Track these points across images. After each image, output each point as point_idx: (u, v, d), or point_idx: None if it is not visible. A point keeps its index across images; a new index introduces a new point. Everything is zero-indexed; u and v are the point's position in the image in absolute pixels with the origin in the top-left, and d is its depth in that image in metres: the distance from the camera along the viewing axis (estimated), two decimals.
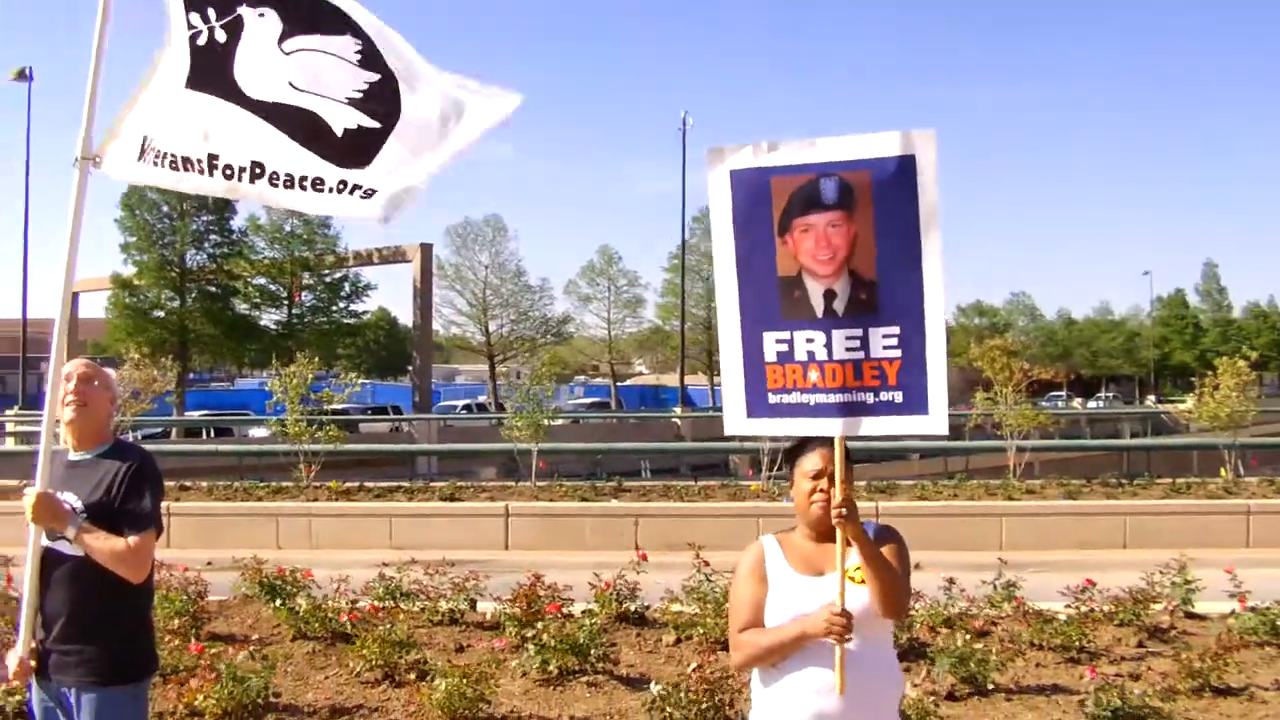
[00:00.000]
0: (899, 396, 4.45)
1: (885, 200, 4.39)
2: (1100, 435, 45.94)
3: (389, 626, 8.47)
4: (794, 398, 4.54)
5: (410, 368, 71.53)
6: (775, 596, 4.27)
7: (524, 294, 77.23)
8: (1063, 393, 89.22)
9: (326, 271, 65.49)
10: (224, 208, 59.03)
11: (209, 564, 11.18)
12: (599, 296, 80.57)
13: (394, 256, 60.84)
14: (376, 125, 5.36)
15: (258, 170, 5.26)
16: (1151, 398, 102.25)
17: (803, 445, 4.44)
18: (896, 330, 4.43)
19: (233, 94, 5.25)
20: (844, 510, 4.12)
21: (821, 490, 4.31)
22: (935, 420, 4.44)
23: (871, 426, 4.46)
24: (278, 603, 9.70)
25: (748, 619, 4.30)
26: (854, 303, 4.45)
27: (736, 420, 4.68)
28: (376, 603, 9.91)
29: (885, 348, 4.44)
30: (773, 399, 4.58)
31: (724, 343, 4.67)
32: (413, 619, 9.54)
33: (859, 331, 4.46)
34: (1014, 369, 23.03)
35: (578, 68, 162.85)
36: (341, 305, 67.61)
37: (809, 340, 4.50)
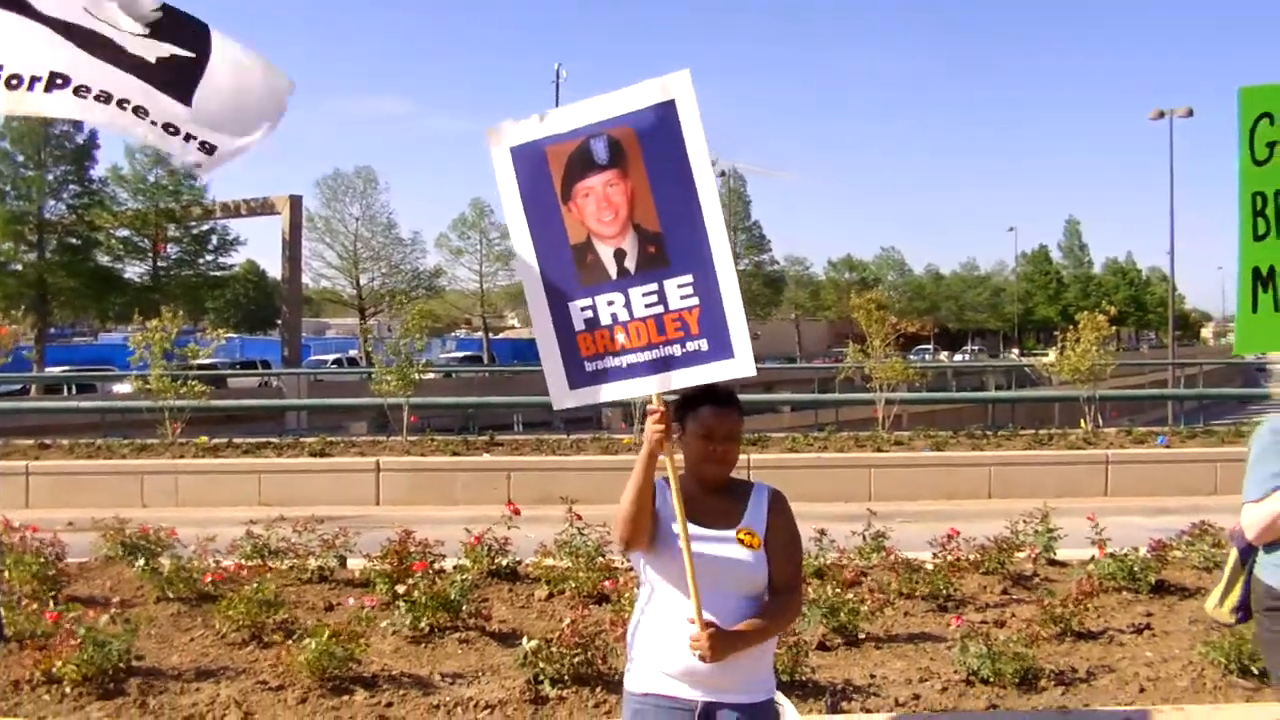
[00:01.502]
0: (704, 344, 4.46)
1: (654, 150, 4.41)
2: (966, 388, 46.70)
3: (256, 586, 8.33)
4: (608, 362, 4.57)
5: (279, 321, 70.41)
6: (660, 529, 4.25)
7: (395, 247, 76.34)
8: (930, 346, 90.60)
9: (193, 223, 64.06)
10: (83, 157, 57.50)
11: (69, 524, 10.97)
12: (471, 250, 79.98)
13: (262, 208, 59.75)
14: (190, 55, 5.28)
15: (59, 82, 5.09)
16: (1015, 351, 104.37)
17: (695, 400, 4.42)
18: (690, 279, 4.45)
19: (21, 7, 5.09)
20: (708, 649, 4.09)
21: (714, 450, 4.31)
22: (741, 363, 4.45)
23: (682, 379, 4.47)
24: (141, 563, 9.49)
25: None
26: (644, 258, 4.47)
27: (560, 394, 4.70)
28: (243, 561, 9.77)
29: (682, 298, 4.46)
30: (589, 367, 4.61)
31: (535, 320, 4.67)
32: (281, 578, 9.41)
33: (654, 286, 4.48)
34: (884, 323, 23.30)
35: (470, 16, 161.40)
36: (208, 258, 66.19)
37: (610, 303, 4.52)
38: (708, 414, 4.32)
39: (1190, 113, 56.72)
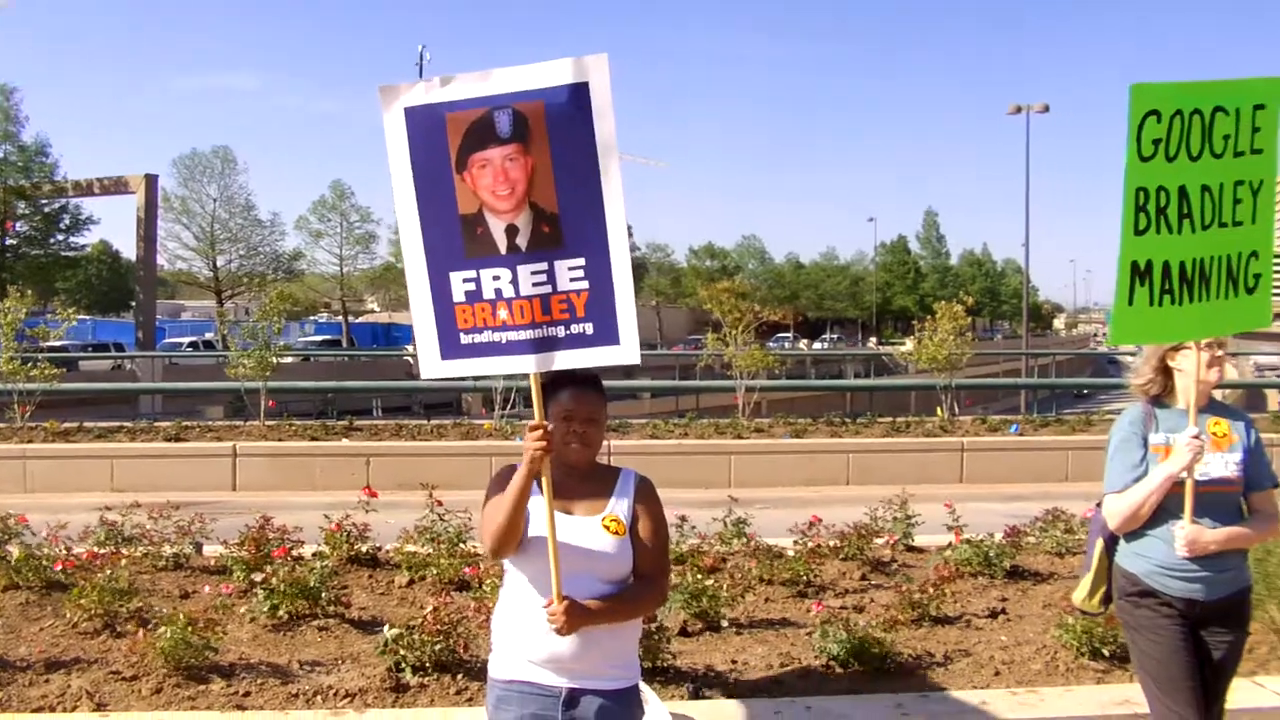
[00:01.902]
0: (589, 328, 4.42)
1: (560, 130, 4.33)
2: (825, 376, 47.25)
3: (109, 574, 8.11)
4: (485, 337, 4.49)
5: (133, 303, 69.00)
6: (527, 522, 4.22)
7: (254, 229, 75.24)
8: (790, 334, 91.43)
9: (43, 201, 62.48)
10: None
11: None
12: (331, 232, 79.10)
13: (116, 187, 58.46)
14: None
15: None
16: (874, 340, 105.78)
17: (557, 383, 4.40)
18: (582, 262, 4.40)
19: None
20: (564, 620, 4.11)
21: (574, 432, 4.29)
22: (626, 350, 4.43)
23: (564, 360, 4.43)
24: None
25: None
26: (537, 236, 4.40)
27: (431, 363, 4.61)
28: (96, 548, 9.51)
29: (572, 280, 4.41)
30: (465, 339, 4.52)
31: (412, 287, 4.57)
32: (135, 565, 9.19)
33: (545, 265, 4.41)
34: (743, 310, 23.43)
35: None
36: (60, 238, 64.63)
37: (495, 278, 4.44)
38: (567, 396, 4.32)
39: (1046, 108, 57.92)
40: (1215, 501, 5.02)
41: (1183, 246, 4.91)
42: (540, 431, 4.12)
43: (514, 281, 4.43)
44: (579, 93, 4.31)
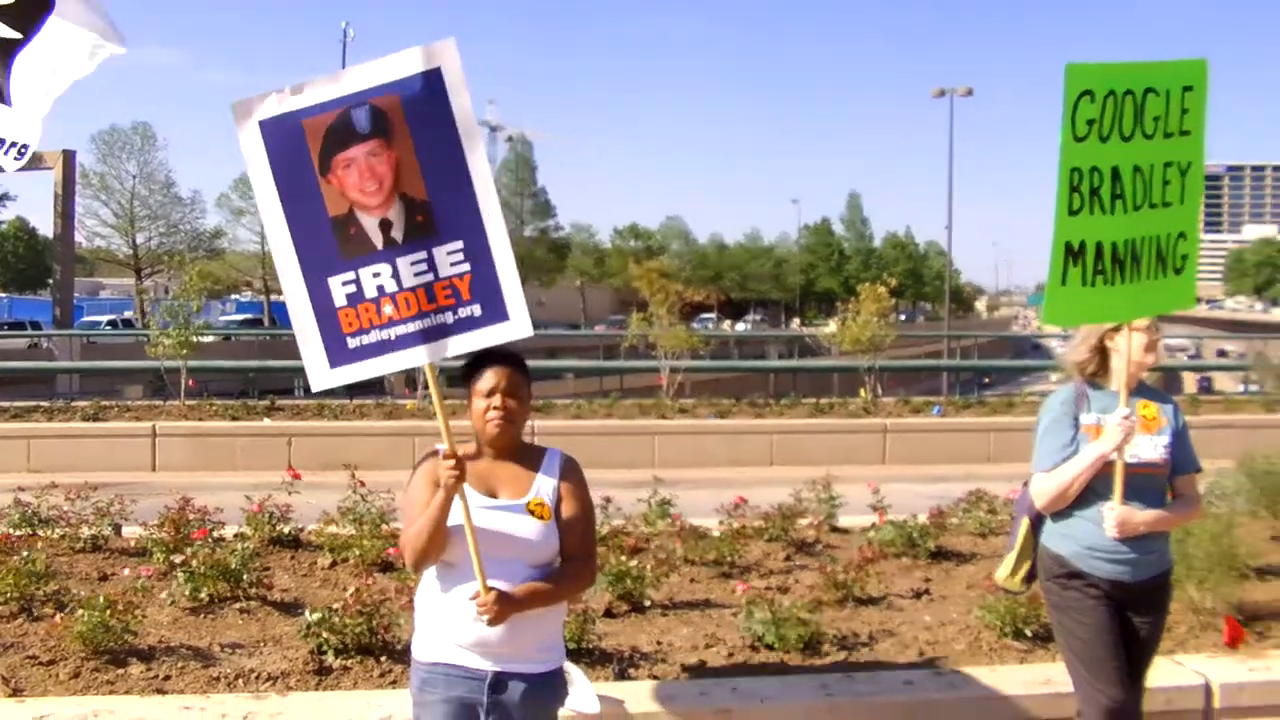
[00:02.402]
0: (477, 310, 4.42)
1: (420, 119, 4.34)
2: (749, 357, 47.44)
3: (25, 556, 7.98)
4: (374, 336, 4.46)
5: (50, 281, 67.98)
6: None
7: (174, 206, 74.34)
8: (713, 315, 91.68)
9: None
10: None
11: None
12: (252, 210, 78.09)
13: (32, 163, 57.13)
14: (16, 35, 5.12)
15: None
16: (797, 321, 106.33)
17: (477, 362, 4.38)
18: (460, 245, 4.41)
19: None
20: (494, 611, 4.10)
21: (495, 408, 4.27)
22: (517, 324, 4.44)
23: (457, 345, 4.44)
24: None
25: (414, 523, 4.24)
26: (412, 227, 4.40)
27: (320, 374, 4.56)
28: (11, 531, 9.33)
29: (453, 265, 4.41)
30: (352, 343, 4.48)
31: (290, 300, 4.51)
32: (52, 547, 9.03)
33: (423, 255, 4.41)
34: (668, 291, 23.45)
35: None
36: None
37: (375, 275, 4.42)
38: (490, 373, 4.34)
39: (970, 92, 58.46)
40: (1143, 484, 5.09)
41: (1115, 227, 4.95)
42: (453, 461, 4.13)
43: (395, 275, 4.41)
44: (432, 79, 4.33)
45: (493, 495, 4.23)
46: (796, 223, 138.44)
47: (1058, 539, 5.16)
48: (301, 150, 4.36)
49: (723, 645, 7.03)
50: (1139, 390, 5.20)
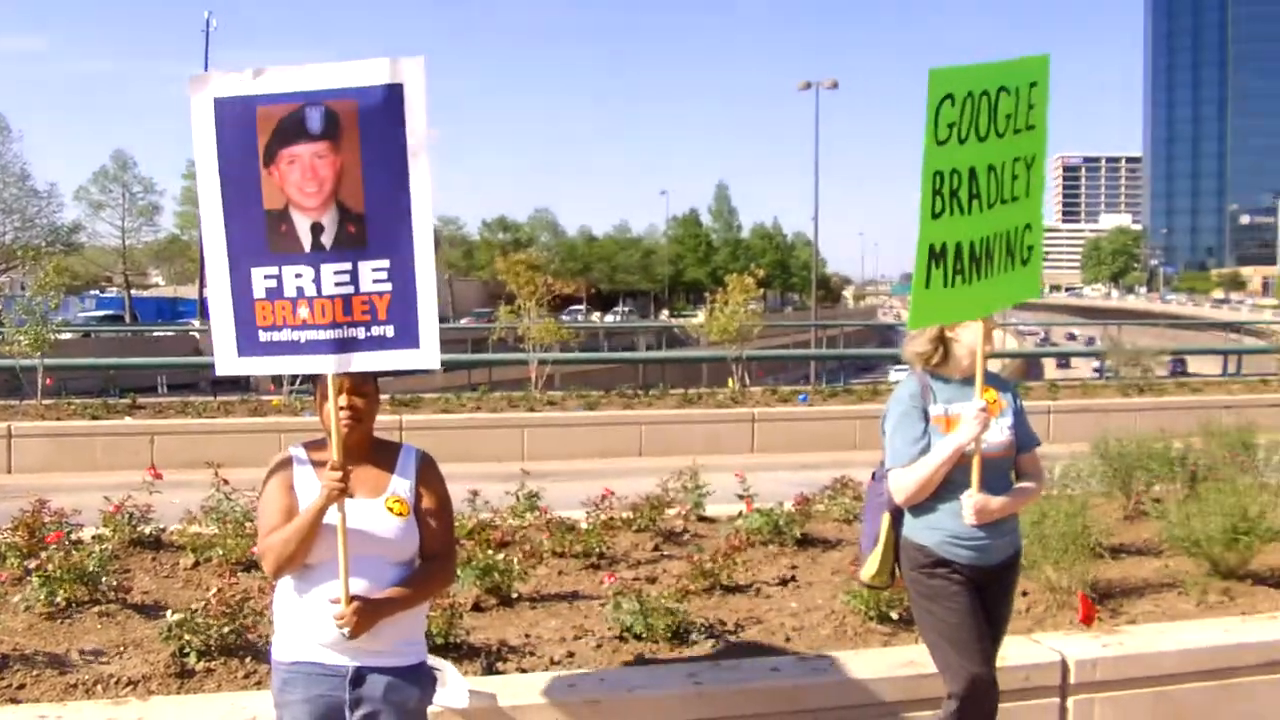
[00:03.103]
0: (390, 331, 4.39)
1: (372, 130, 4.29)
2: (618, 348, 47.48)
3: None
4: (285, 335, 4.40)
5: None
6: (305, 506, 4.17)
7: (29, 199, 72.37)
8: (582, 307, 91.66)
9: None
10: None
11: None
12: (113, 204, 76.52)
13: None
14: None
15: None
16: (666, 312, 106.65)
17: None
18: (386, 264, 4.36)
19: None
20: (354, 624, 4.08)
21: (343, 408, 4.24)
22: (426, 354, 4.42)
23: (363, 362, 4.39)
24: None
25: (276, 527, 4.19)
26: (342, 236, 4.35)
27: (227, 360, 4.48)
28: None
29: (375, 281, 4.37)
30: (263, 337, 4.42)
31: (211, 279, 4.44)
32: None
33: (348, 266, 4.36)
34: (537, 283, 23.41)
35: None
36: None
37: (298, 275, 4.36)
38: (329, 377, 4.29)
39: (835, 85, 58.98)
40: (994, 468, 5.21)
41: (972, 226, 5.04)
42: (340, 473, 4.09)
43: (316, 280, 4.35)
44: (393, 94, 4.28)
45: (349, 495, 4.19)
46: (665, 214, 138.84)
47: (920, 530, 5.24)
48: (250, 136, 4.29)
49: (591, 636, 7.03)
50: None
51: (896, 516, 5.36)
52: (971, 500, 5.09)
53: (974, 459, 5.08)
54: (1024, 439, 5.40)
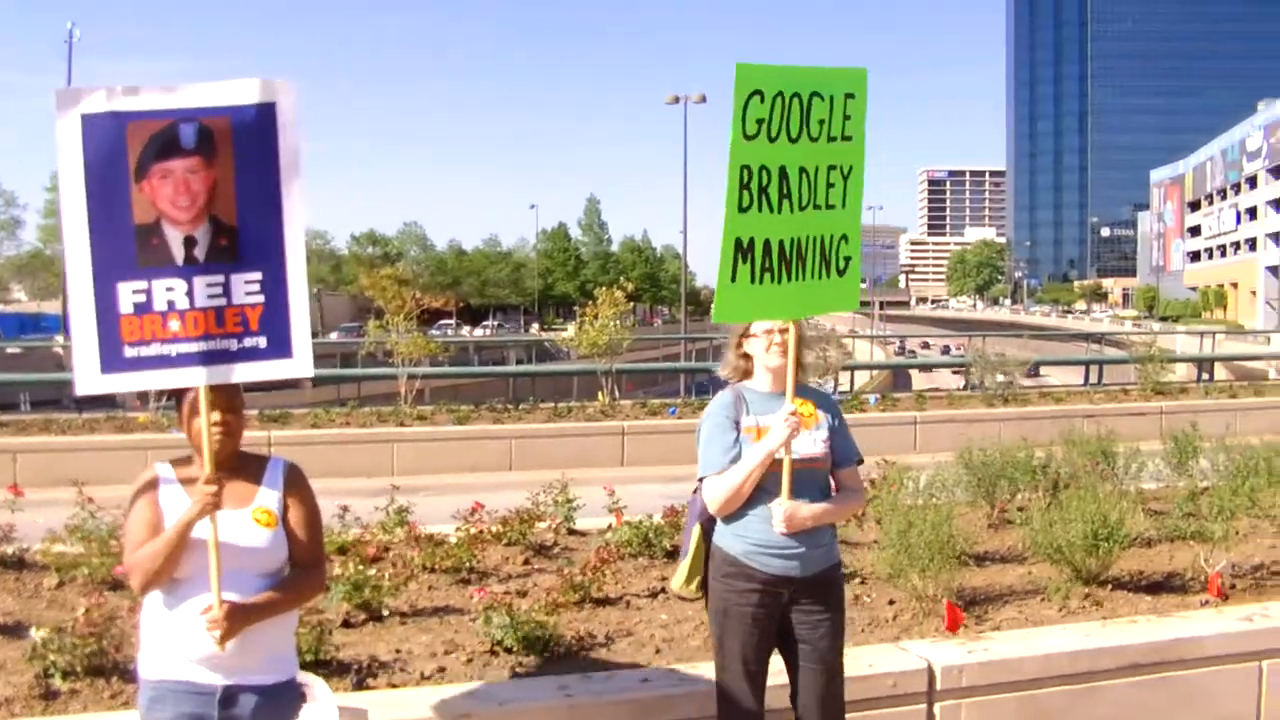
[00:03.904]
0: (262, 342, 4.43)
1: (245, 147, 4.34)
2: (488, 362, 47.33)
3: None
4: (154, 349, 4.36)
5: None
6: (170, 523, 4.14)
7: None
8: (452, 321, 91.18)
9: None
10: None
11: None
12: None
13: None
14: None
15: None
16: (536, 326, 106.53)
17: None
18: (258, 276, 4.41)
19: None
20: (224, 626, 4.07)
21: (215, 424, 4.22)
22: (299, 363, 4.49)
23: (236, 373, 4.40)
24: None
25: (143, 543, 4.15)
26: (215, 249, 4.37)
27: (89, 378, 4.40)
28: None
29: (247, 294, 4.41)
30: (130, 352, 4.37)
31: (74, 296, 4.38)
32: None
33: (221, 278, 4.39)
34: (405, 298, 23.28)
35: None
36: None
37: (169, 289, 4.35)
38: (200, 391, 4.27)
39: (703, 99, 59.35)
40: (807, 478, 5.26)
41: (782, 225, 5.12)
42: (214, 486, 4.08)
43: (189, 293, 4.36)
44: (266, 112, 4.35)
45: (219, 507, 4.17)
46: (535, 227, 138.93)
47: (730, 538, 5.27)
48: (120, 152, 4.27)
49: (462, 651, 7.04)
50: (796, 389, 5.31)
51: (708, 527, 5.39)
52: (781, 507, 5.13)
53: (784, 466, 5.12)
54: (842, 453, 5.45)
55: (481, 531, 9.70)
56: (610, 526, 10.06)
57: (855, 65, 5.37)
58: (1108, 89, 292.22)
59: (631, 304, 24.25)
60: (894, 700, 6.55)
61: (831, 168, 5.33)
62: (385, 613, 7.79)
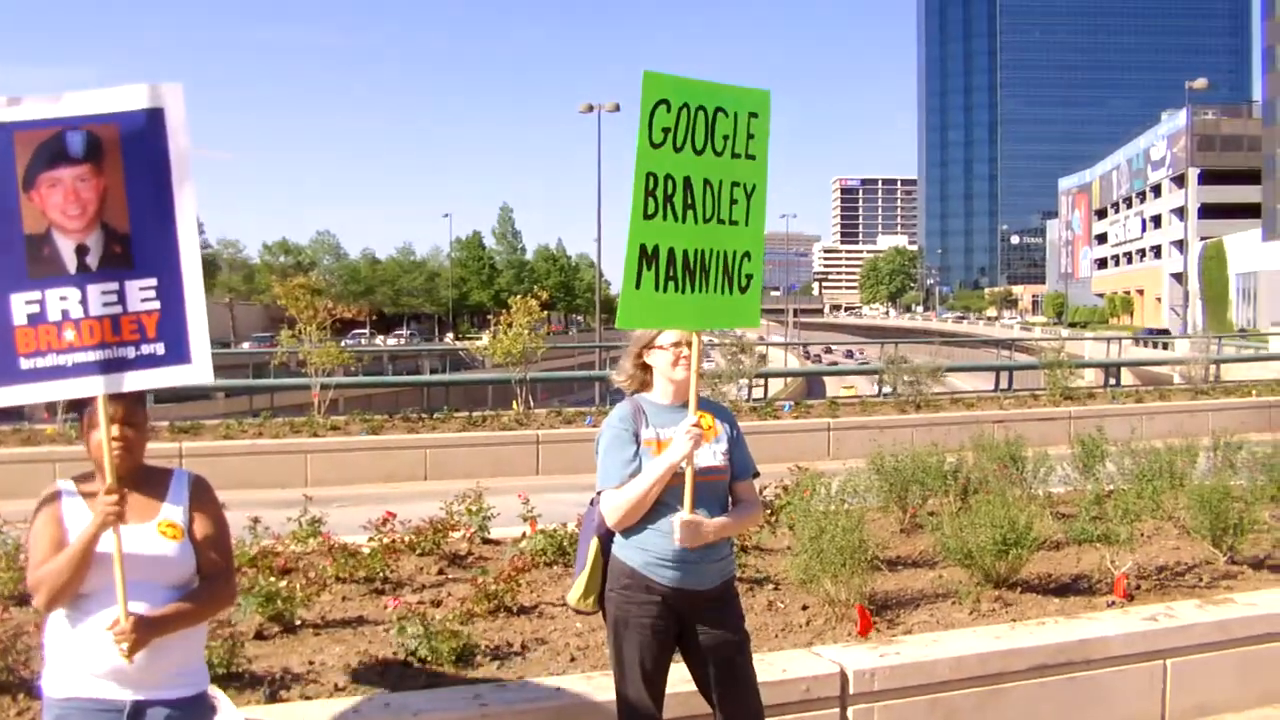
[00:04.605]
0: (160, 349, 4.39)
1: (135, 153, 4.31)
2: (402, 371, 47.04)
3: None
4: (50, 360, 4.31)
5: None
6: (74, 538, 4.09)
7: None
8: (366, 330, 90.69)
9: None
10: None
11: None
12: None
13: None
14: None
15: None
16: (450, 335, 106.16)
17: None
18: (154, 282, 4.37)
19: None
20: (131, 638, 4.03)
21: (115, 438, 4.17)
22: (199, 369, 4.45)
23: (135, 381, 4.36)
24: None
25: (47, 559, 4.10)
26: (108, 257, 4.33)
27: None
28: None
29: (143, 300, 4.37)
30: (25, 364, 4.31)
31: None
32: None
33: (115, 286, 4.35)
34: (318, 307, 23.10)
35: None
36: None
37: (63, 298, 4.31)
38: (105, 401, 4.23)
39: (617, 107, 59.54)
40: (708, 491, 5.25)
41: (686, 235, 5.16)
42: (116, 496, 4.04)
43: (83, 301, 4.31)
44: (155, 117, 4.32)
45: (121, 522, 4.13)
46: (449, 236, 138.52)
47: (629, 550, 5.24)
48: (8, 161, 4.23)
49: (376, 661, 7.01)
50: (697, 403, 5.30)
51: (606, 540, 5.38)
52: (682, 521, 5.12)
53: (686, 479, 5.12)
54: (740, 466, 5.46)
55: (395, 541, 9.66)
56: (525, 535, 10.04)
57: (761, 86, 5.42)
58: (1016, 99, 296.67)
59: (545, 312, 24.17)
60: (807, 705, 6.60)
61: (735, 184, 5.38)
62: (298, 624, 7.74)
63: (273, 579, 7.95)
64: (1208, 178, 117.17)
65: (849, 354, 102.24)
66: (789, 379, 50.10)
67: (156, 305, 4.36)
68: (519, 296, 24.47)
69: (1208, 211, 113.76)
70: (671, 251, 5.11)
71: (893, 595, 8.49)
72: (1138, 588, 8.77)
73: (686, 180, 5.13)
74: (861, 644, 7.31)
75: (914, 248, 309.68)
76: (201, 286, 4.46)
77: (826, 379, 63.40)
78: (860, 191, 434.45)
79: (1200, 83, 75.05)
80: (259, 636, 7.49)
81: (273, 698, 6.41)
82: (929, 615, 8.09)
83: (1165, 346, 44.02)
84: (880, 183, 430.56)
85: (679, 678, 5.72)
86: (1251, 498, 10.06)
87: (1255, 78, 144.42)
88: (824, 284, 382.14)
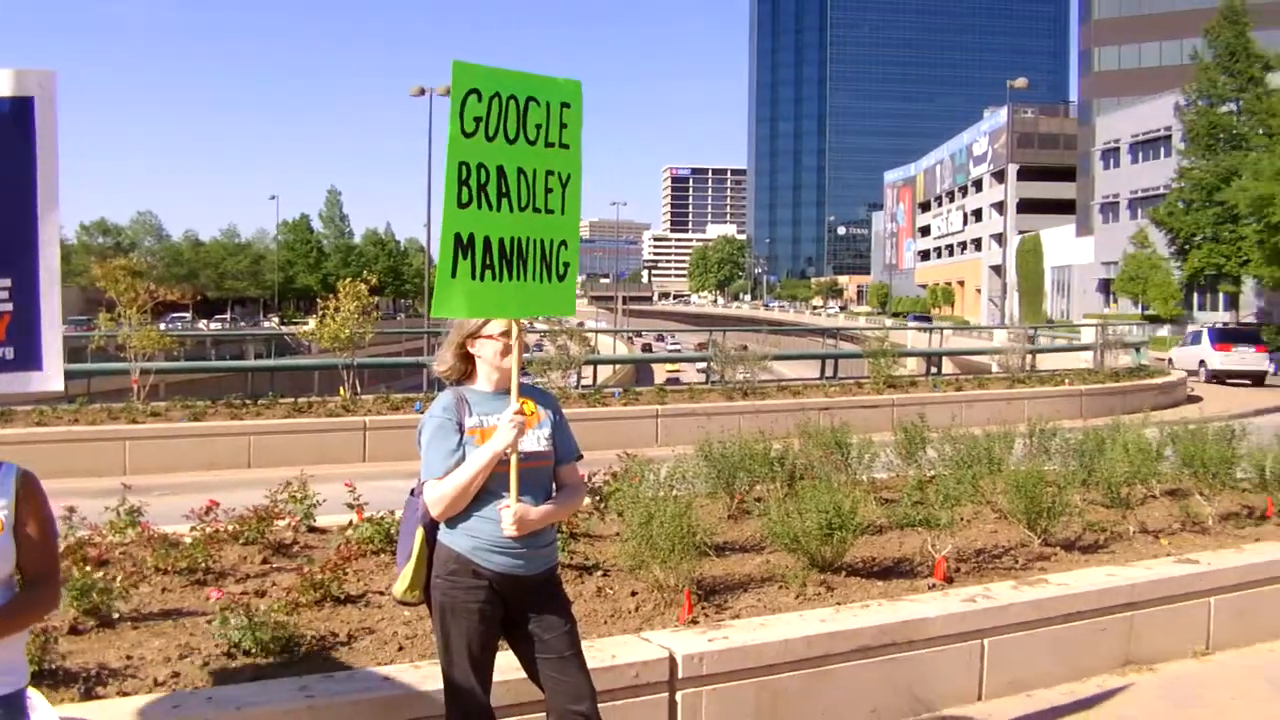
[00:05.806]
0: (10, 353, 4.21)
1: None
2: (226, 356, 46.21)
3: None
4: None
5: None
6: None
7: None
8: (188, 314, 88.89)
9: None
10: None
11: None
12: None
13: None
14: None
15: None
16: (275, 319, 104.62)
17: None
18: (7, 283, 4.17)
19: None
20: None
21: None
22: (50, 377, 4.31)
23: None
24: None
25: None
26: None
27: None
28: None
29: None
30: None
31: None
32: None
33: None
34: (139, 289, 22.51)
35: None
36: None
37: None
38: None
39: (448, 91, 59.12)
40: (533, 477, 5.31)
41: (502, 224, 5.23)
42: None
43: None
44: (20, 107, 4.07)
45: None
46: (275, 219, 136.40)
47: (455, 537, 5.25)
48: None
49: (198, 655, 6.85)
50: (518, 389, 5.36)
51: (431, 530, 5.37)
52: (510, 510, 5.16)
53: (512, 467, 5.16)
54: (564, 450, 5.52)
55: (218, 531, 9.46)
56: (351, 523, 9.92)
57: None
58: (845, 93, 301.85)
59: (374, 297, 23.89)
60: (637, 690, 6.64)
61: (550, 173, 5.45)
62: (116, 617, 7.52)
63: (89, 570, 7.73)
64: (1026, 174, 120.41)
65: (659, 337, 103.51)
66: (618, 366, 50.28)
67: (9, 307, 4.17)
68: (347, 280, 24.12)
69: (1025, 206, 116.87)
70: (488, 240, 5.16)
71: (721, 580, 8.57)
72: (957, 570, 9.00)
73: (500, 169, 5.19)
74: (690, 629, 7.36)
75: (743, 237, 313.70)
76: (58, 290, 4.27)
77: (654, 366, 63.80)
78: (691, 180, 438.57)
79: (1020, 82, 76.92)
80: (73, 631, 7.27)
81: (88, 695, 6.22)
82: (756, 600, 8.18)
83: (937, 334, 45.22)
84: (711, 172, 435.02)
85: (507, 664, 5.70)
86: (1064, 482, 10.42)
87: (1072, 79, 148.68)
88: (654, 272, 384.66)
